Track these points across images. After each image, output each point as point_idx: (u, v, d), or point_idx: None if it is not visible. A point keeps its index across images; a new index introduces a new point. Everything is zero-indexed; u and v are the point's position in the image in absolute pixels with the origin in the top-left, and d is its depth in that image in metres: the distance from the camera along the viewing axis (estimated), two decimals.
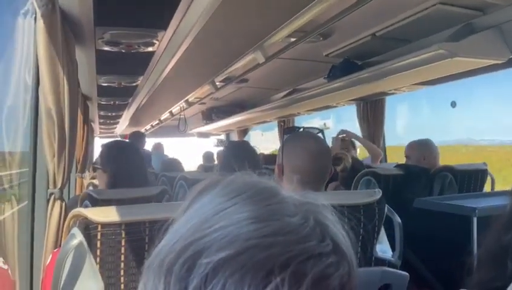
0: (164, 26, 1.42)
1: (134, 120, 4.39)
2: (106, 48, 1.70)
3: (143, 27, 1.48)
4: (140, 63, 1.95)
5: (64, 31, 1.29)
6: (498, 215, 0.67)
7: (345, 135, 3.09)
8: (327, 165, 1.22)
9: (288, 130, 1.36)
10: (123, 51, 1.71)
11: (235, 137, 5.78)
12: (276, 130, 4.91)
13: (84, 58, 1.78)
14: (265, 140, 6.35)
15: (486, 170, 2.32)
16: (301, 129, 1.34)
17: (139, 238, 0.96)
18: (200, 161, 5.26)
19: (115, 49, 1.69)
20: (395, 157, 3.42)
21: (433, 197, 2.07)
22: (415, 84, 2.41)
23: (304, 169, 1.18)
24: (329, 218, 0.37)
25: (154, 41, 1.57)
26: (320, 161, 1.20)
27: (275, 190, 0.38)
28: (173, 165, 3.76)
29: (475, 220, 1.53)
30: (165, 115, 4.18)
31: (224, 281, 0.31)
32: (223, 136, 6.24)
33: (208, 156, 5.33)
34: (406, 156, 2.47)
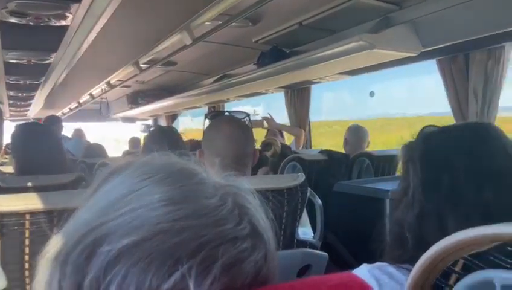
0: None
1: (50, 102, 4.04)
2: (12, 20, 1.51)
3: None
4: (52, 38, 1.77)
5: None
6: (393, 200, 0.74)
7: (268, 117, 3.22)
8: (245, 147, 1.22)
9: (210, 115, 1.34)
10: (31, 23, 1.54)
11: (163, 122, 5.60)
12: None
13: None
14: (196, 126, 6.27)
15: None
16: (226, 113, 1.32)
17: (46, 229, 0.88)
18: (126, 147, 5.02)
19: (22, 21, 1.52)
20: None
21: (352, 181, 2.20)
22: (339, 73, 2.51)
23: (223, 152, 1.18)
24: (250, 200, 0.35)
25: (67, 14, 1.43)
26: (237, 144, 1.20)
27: (194, 171, 0.36)
28: (95, 151, 3.54)
29: (388, 201, 1.64)
30: (85, 98, 3.90)
31: (126, 270, 0.29)
32: (150, 122, 6.02)
33: (133, 141, 5.11)
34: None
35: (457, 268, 0.44)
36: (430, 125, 0.77)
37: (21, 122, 1.73)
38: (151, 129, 1.78)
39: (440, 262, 0.46)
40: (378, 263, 0.68)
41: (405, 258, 0.63)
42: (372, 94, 2.91)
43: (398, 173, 2.51)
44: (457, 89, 1.99)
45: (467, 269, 0.44)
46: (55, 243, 0.33)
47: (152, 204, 0.31)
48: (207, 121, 1.31)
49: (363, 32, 1.74)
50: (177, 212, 0.31)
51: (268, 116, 3.35)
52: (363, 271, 0.68)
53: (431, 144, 0.70)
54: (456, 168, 0.64)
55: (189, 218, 0.31)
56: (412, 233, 0.65)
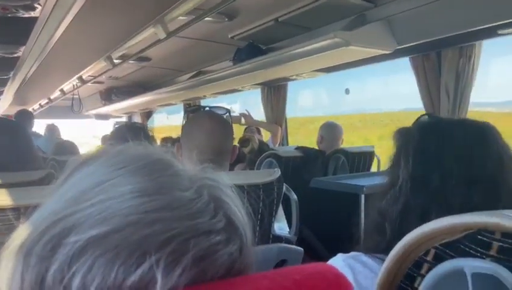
0: None
1: (19, 98, 3.90)
2: None
3: None
4: (21, 30, 1.70)
5: None
6: (378, 191, 0.74)
7: (246, 113, 3.22)
8: (224, 142, 1.22)
9: (191, 109, 1.32)
10: None
11: (138, 119, 5.50)
12: (182, 113, 4.79)
13: None
14: (171, 123, 6.20)
15: (374, 152, 2.56)
16: (206, 108, 1.31)
17: (11, 227, 0.85)
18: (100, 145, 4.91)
19: None
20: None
21: (328, 177, 2.22)
22: (315, 70, 2.53)
23: (202, 146, 1.17)
24: (227, 194, 0.35)
25: (36, 5, 1.38)
26: (217, 139, 1.19)
27: (169, 162, 0.35)
28: (67, 148, 3.44)
29: (363, 197, 1.67)
30: (56, 94, 3.78)
31: (92, 261, 0.27)
32: (124, 119, 5.90)
33: (106, 139, 5.00)
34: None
35: (429, 258, 0.45)
36: (427, 114, 0.76)
37: None
38: (116, 126, 1.73)
39: (412, 252, 0.46)
40: (352, 253, 0.69)
41: (381, 247, 0.64)
42: (347, 91, 2.95)
43: (373, 169, 2.57)
44: (429, 86, 2.04)
45: (439, 259, 0.44)
46: (19, 235, 0.32)
47: (124, 195, 0.30)
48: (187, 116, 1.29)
49: (339, 30, 1.75)
50: (150, 203, 0.30)
51: (245, 112, 3.34)
52: (338, 260, 0.68)
53: (426, 140, 0.69)
54: (447, 169, 0.63)
55: (162, 210, 0.30)
56: (392, 226, 0.65)
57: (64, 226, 0.29)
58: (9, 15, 1.52)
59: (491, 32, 1.63)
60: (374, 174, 2.26)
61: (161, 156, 0.36)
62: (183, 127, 1.24)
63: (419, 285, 0.45)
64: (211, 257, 0.30)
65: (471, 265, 0.41)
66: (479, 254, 0.41)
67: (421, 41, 1.75)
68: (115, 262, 0.27)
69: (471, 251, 0.42)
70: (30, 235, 0.30)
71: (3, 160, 1.44)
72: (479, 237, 0.41)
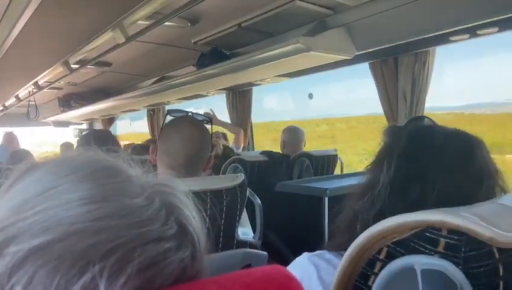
0: None
1: None
2: None
3: None
4: None
5: None
6: (351, 191, 0.73)
7: (210, 113, 3.23)
8: (201, 151, 1.20)
9: (171, 112, 1.30)
10: None
11: (99, 126, 5.35)
12: (146, 119, 4.69)
13: None
14: (134, 130, 6.06)
15: (337, 155, 2.61)
16: (189, 114, 1.29)
17: None
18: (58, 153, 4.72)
19: None
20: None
21: (292, 181, 2.25)
22: (278, 76, 2.55)
23: (177, 152, 1.15)
24: (181, 199, 0.34)
25: None
26: (194, 146, 1.17)
27: (120, 169, 0.34)
28: (22, 157, 3.29)
29: (326, 199, 1.69)
30: (11, 100, 3.60)
31: (33, 272, 0.26)
32: (85, 126, 5.72)
33: (66, 146, 4.82)
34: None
35: (382, 256, 0.46)
36: (421, 117, 0.72)
37: None
38: (83, 133, 1.68)
39: (366, 251, 0.47)
40: (318, 251, 0.69)
41: (348, 245, 0.63)
42: (310, 96, 3.00)
43: (337, 172, 2.62)
44: (388, 91, 2.11)
45: (390, 257, 0.45)
46: None
47: (70, 203, 0.29)
48: (168, 117, 1.27)
49: (301, 36, 1.78)
50: (96, 211, 0.29)
51: (210, 112, 3.33)
52: (303, 258, 0.69)
53: (412, 148, 0.65)
54: (430, 182, 0.61)
55: (109, 218, 0.29)
56: (363, 227, 0.64)
57: (5, 236, 0.28)
58: None
59: (443, 39, 1.71)
60: (337, 177, 2.31)
61: (110, 163, 0.35)
62: (162, 129, 1.22)
63: (373, 283, 0.46)
64: (159, 264, 0.29)
65: (420, 262, 0.42)
66: (427, 251, 0.43)
67: (379, 48, 1.81)
68: (56, 273, 0.26)
69: (420, 248, 0.43)
70: None
71: None
72: (426, 234, 0.43)
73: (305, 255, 0.69)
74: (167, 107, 4.33)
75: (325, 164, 2.48)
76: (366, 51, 1.87)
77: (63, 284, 0.26)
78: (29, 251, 0.27)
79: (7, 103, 3.81)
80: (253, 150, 3.48)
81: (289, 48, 1.77)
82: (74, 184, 0.31)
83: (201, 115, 1.33)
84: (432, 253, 0.43)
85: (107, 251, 0.27)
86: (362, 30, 1.81)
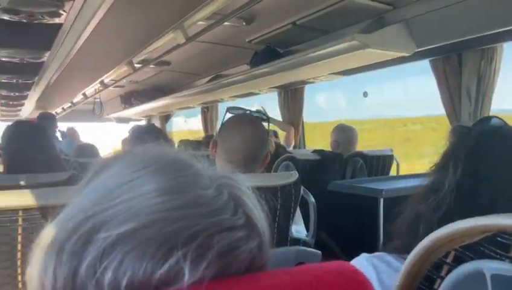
0: None
1: (43, 102, 4.01)
2: (4, 17, 1.51)
3: None
4: (46, 36, 1.76)
5: None
6: (416, 191, 0.70)
7: (261, 110, 3.23)
8: (259, 149, 1.23)
9: (231, 110, 1.35)
10: (25, 21, 1.53)
11: (157, 123, 5.58)
12: (200, 116, 4.83)
13: None
14: (189, 126, 6.25)
15: (393, 155, 2.53)
16: (247, 111, 1.34)
17: (39, 226, 0.88)
18: (119, 148, 5.00)
19: (15, 18, 1.51)
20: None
21: (346, 181, 2.21)
22: (332, 73, 2.52)
23: (233, 149, 1.19)
24: (245, 192, 0.36)
25: (61, 11, 1.42)
26: (250, 143, 1.20)
27: (189, 162, 0.36)
28: (88, 150, 3.52)
29: (381, 201, 1.65)
30: (78, 98, 3.87)
31: (122, 256, 0.29)
32: (144, 122, 6.00)
33: (126, 142, 5.09)
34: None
35: (449, 260, 0.45)
36: (490, 117, 0.68)
37: (14, 122, 1.71)
38: (133, 128, 1.76)
39: (432, 254, 0.46)
40: (376, 253, 0.68)
41: (409, 248, 0.62)
42: (365, 94, 2.92)
43: (393, 173, 2.54)
44: (450, 90, 2.01)
45: (458, 261, 0.44)
46: (48, 233, 0.33)
47: (147, 194, 0.32)
48: (227, 115, 1.31)
49: (357, 32, 1.75)
50: (174, 201, 0.31)
51: (261, 109, 3.35)
52: (361, 259, 0.68)
53: (482, 149, 0.62)
54: (500, 185, 0.57)
55: (186, 207, 0.31)
56: (426, 231, 0.58)
57: (93, 223, 0.31)
58: (35, 21, 1.57)
59: None
60: (393, 178, 2.24)
61: (179, 156, 0.37)
62: (222, 125, 1.27)
63: (438, 287, 0.45)
64: (234, 252, 0.31)
65: (490, 267, 0.41)
66: (498, 256, 0.41)
67: (442, 44, 1.73)
68: (143, 257, 0.29)
69: (490, 253, 0.42)
70: (60, 233, 0.32)
71: (23, 161, 1.49)
72: (498, 239, 0.41)
73: (364, 256, 0.69)
74: (220, 105, 4.43)
75: (379, 164, 2.41)
76: (427, 47, 1.80)
77: (150, 268, 0.29)
78: (117, 236, 0.30)
79: (75, 100, 4.10)
80: (304, 148, 3.47)
81: (345, 45, 1.75)
82: (149, 177, 0.33)
83: (258, 112, 1.35)
84: (503, 258, 0.41)
85: (188, 237, 0.29)
86: (423, 26, 1.75)
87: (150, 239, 0.29)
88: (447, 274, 0.45)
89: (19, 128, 1.57)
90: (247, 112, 1.33)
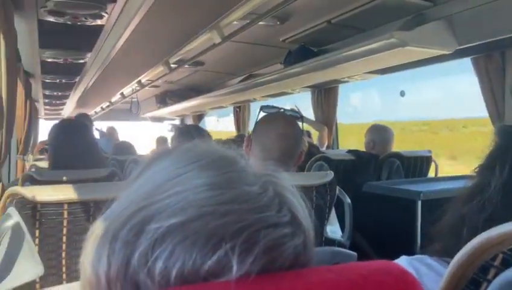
0: None
1: (83, 101, 4.17)
2: (50, 19, 1.58)
3: None
4: (88, 37, 1.83)
5: None
6: (459, 193, 0.69)
7: (295, 109, 3.22)
8: (294, 147, 1.24)
9: (264, 108, 1.37)
10: (69, 22, 1.60)
11: (190, 122, 5.68)
12: (232, 116, 4.87)
13: (25, 29, 1.65)
14: (221, 126, 6.32)
15: (431, 156, 2.45)
16: (281, 110, 1.35)
17: (83, 219, 0.91)
18: (154, 146, 5.13)
19: (60, 20, 1.58)
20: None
21: (382, 182, 2.16)
22: (368, 72, 2.47)
23: (268, 147, 1.20)
24: (290, 190, 0.36)
25: (103, 13, 1.48)
26: (285, 141, 1.21)
27: (235, 159, 0.37)
28: (125, 148, 3.64)
29: (420, 203, 1.60)
30: (116, 97, 4.00)
31: (173, 247, 0.30)
32: (177, 121, 6.12)
33: (161, 140, 5.21)
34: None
35: (497, 263, 0.43)
36: None
37: (60, 120, 1.80)
38: (180, 126, 1.82)
39: (478, 257, 0.44)
40: (417, 255, 0.67)
41: (452, 251, 0.60)
42: (402, 94, 2.84)
43: (431, 174, 2.46)
44: (493, 89, 1.92)
45: (507, 264, 0.42)
46: (102, 223, 0.35)
47: (196, 188, 0.33)
48: (261, 113, 1.33)
49: (395, 30, 1.71)
50: (220, 196, 0.32)
51: (295, 108, 3.35)
52: (402, 261, 0.66)
53: None
54: None
55: (233, 202, 0.32)
56: (471, 233, 0.58)
57: (145, 214, 0.32)
58: (78, 23, 1.64)
59: None
60: (431, 179, 2.17)
61: (226, 153, 0.38)
62: (257, 124, 1.29)
63: None
64: (279, 248, 0.31)
65: None
66: None
67: (484, 41, 1.66)
68: (193, 248, 0.30)
69: None
70: (114, 223, 0.33)
71: (68, 158, 1.55)
72: None
73: (404, 259, 0.67)
74: (252, 105, 4.45)
75: (417, 165, 2.34)
76: (469, 45, 1.73)
77: (199, 259, 0.29)
78: (168, 227, 0.31)
79: (113, 100, 4.24)
80: (338, 148, 3.43)
81: (382, 43, 1.70)
82: (198, 172, 0.34)
83: (292, 111, 1.36)
84: None
85: (235, 231, 0.30)
86: (465, 22, 1.68)
87: (199, 231, 0.30)
88: (494, 277, 0.43)
89: (65, 126, 1.65)
90: (281, 110, 1.33)
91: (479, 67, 1.97)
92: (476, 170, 0.67)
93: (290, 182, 0.38)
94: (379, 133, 2.52)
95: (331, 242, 1.17)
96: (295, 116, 1.34)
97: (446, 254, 0.62)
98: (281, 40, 2.32)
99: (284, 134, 1.21)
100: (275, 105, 1.39)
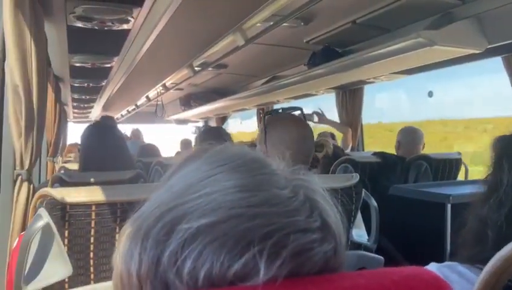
0: (140, 2, 1.36)
1: (110, 104, 4.27)
2: (78, 24, 1.62)
3: (117, 2, 1.41)
4: (115, 42, 1.88)
5: (32, 3, 1.22)
6: (475, 198, 0.69)
7: (319, 112, 3.21)
8: (310, 148, 1.22)
9: (268, 114, 1.34)
10: (96, 28, 1.64)
11: (213, 124, 5.73)
12: (255, 118, 4.88)
13: (55, 34, 1.70)
14: (244, 128, 6.35)
15: (461, 159, 2.37)
16: (280, 110, 1.32)
17: (110, 220, 0.93)
18: (178, 148, 5.20)
19: (88, 25, 1.62)
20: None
21: (409, 185, 2.11)
22: (394, 73, 2.42)
23: (292, 151, 1.18)
24: (321, 194, 0.36)
25: (129, 18, 1.51)
26: (303, 145, 1.20)
27: (266, 161, 0.37)
28: (150, 150, 3.71)
29: (449, 207, 1.56)
30: (142, 100, 4.08)
31: (202, 247, 0.30)
32: (201, 123, 6.18)
33: (185, 143, 5.28)
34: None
35: None
36: None
37: (92, 122, 1.85)
38: (203, 128, 1.86)
39: None
40: (447, 262, 0.65)
41: (480, 257, 0.59)
42: (430, 94, 2.77)
43: (461, 177, 2.38)
44: None
45: None
46: (134, 220, 0.36)
47: (226, 189, 0.33)
48: (267, 119, 1.30)
49: (422, 29, 1.67)
50: (251, 199, 0.32)
51: (319, 111, 3.33)
52: (431, 268, 0.65)
53: None
54: None
55: (262, 206, 0.32)
56: (496, 232, 0.61)
57: (176, 214, 0.32)
58: (105, 28, 1.68)
59: None
60: (461, 182, 2.10)
61: (257, 155, 0.38)
62: (267, 131, 1.21)
63: None
64: (307, 253, 0.31)
65: None
66: None
67: None
68: (221, 250, 0.30)
69: None
70: (146, 221, 0.34)
71: (102, 159, 1.59)
72: None
73: (434, 266, 0.66)
74: (275, 106, 4.44)
75: (446, 168, 2.27)
76: (500, 43, 1.67)
77: (227, 261, 0.29)
78: (198, 228, 0.31)
79: (139, 103, 4.33)
80: (363, 150, 3.37)
81: (409, 43, 1.66)
82: (228, 174, 0.34)
83: (293, 107, 1.34)
84: None
85: (264, 234, 0.30)
86: (496, 21, 1.62)
87: (228, 233, 0.30)
88: None
89: (95, 129, 1.69)
90: (291, 112, 1.32)
91: (510, 67, 1.90)
92: (487, 176, 0.68)
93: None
94: (406, 134, 2.48)
95: (357, 246, 1.15)
96: (308, 118, 1.32)
97: (476, 260, 0.61)
98: (304, 41, 2.30)
99: (301, 137, 1.20)
100: (275, 107, 1.38)
